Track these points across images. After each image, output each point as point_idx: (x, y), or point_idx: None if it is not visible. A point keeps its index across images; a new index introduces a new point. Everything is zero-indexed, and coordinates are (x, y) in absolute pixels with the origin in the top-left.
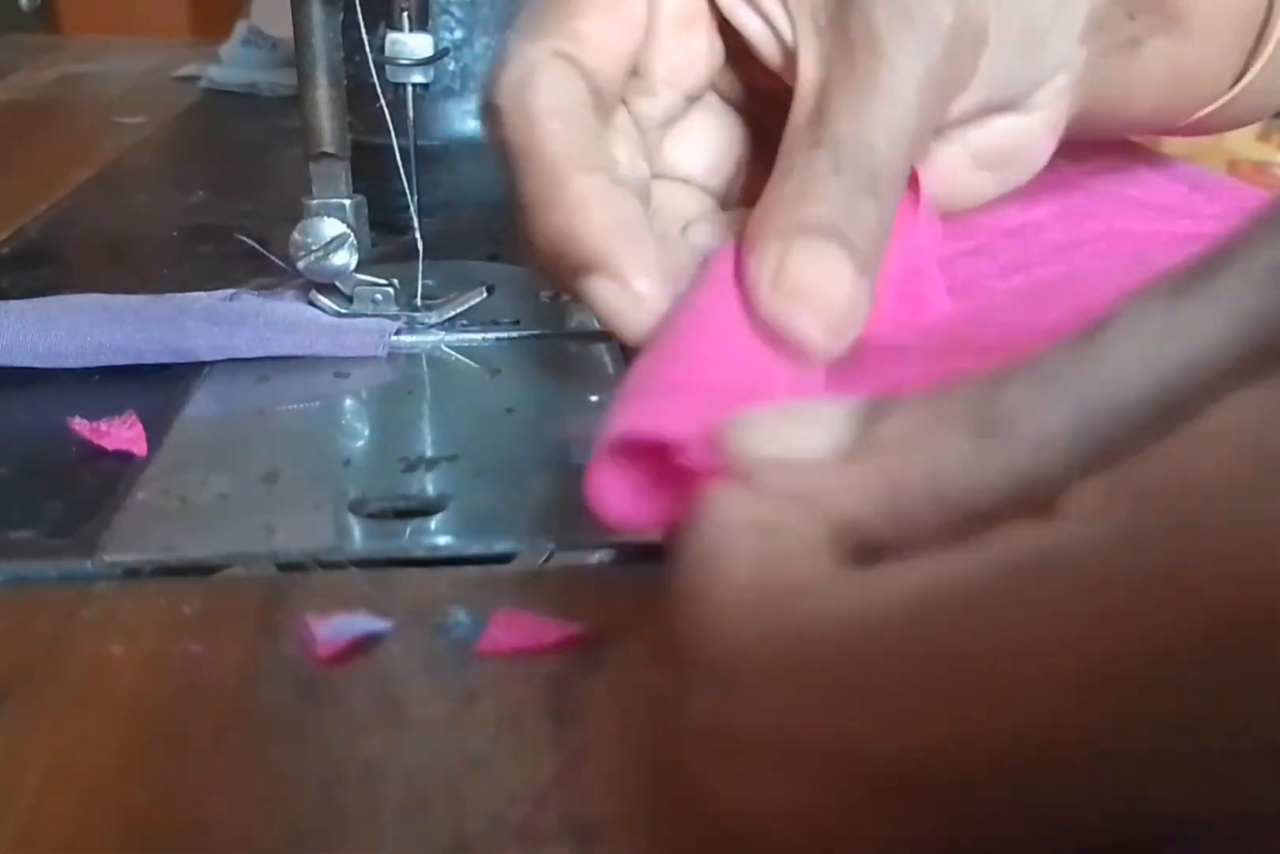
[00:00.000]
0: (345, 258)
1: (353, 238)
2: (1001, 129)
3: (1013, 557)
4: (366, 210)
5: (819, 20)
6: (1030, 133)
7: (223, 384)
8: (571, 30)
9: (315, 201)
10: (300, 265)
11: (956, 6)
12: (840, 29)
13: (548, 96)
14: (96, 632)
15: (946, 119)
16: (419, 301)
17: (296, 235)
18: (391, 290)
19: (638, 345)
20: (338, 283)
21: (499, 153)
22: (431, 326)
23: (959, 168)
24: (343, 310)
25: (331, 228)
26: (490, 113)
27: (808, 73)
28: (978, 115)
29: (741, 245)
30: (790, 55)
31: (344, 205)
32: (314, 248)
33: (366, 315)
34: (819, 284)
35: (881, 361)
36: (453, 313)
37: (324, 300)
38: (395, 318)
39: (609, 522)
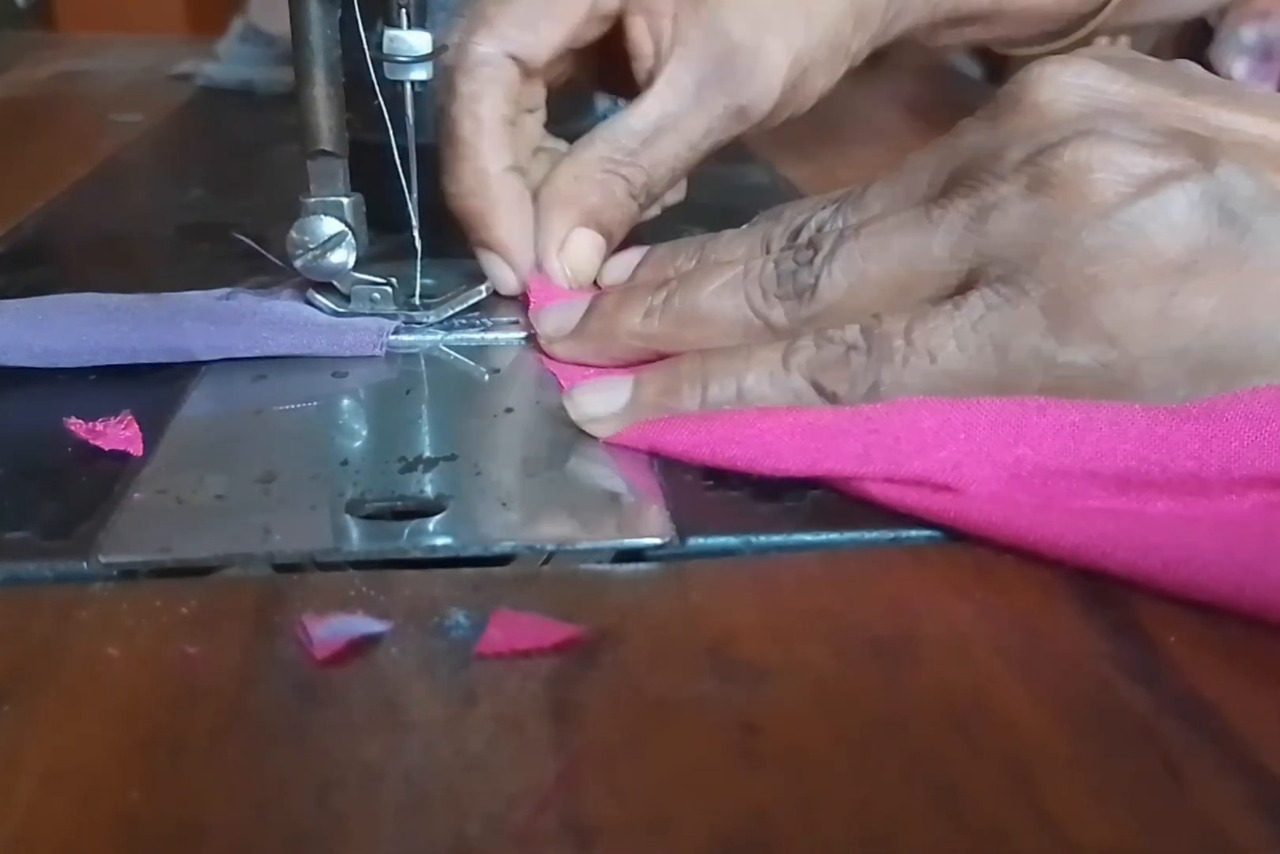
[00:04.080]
0: (343, 256)
1: (350, 236)
2: None
3: None
4: (364, 208)
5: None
6: None
7: (219, 384)
8: (525, 27)
9: (313, 200)
10: (298, 264)
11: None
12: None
13: (493, 108)
14: (93, 633)
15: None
16: (417, 300)
17: (294, 234)
18: (389, 289)
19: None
20: (335, 281)
21: (444, 134)
22: (430, 326)
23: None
24: (340, 309)
25: (329, 226)
26: (444, 114)
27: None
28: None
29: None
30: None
31: (342, 203)
32: (311, 246)
33: (364, 314)
34: (577, 255)
35: None
36: (451, 312)
37: (321, 299)
38: (393, 317)
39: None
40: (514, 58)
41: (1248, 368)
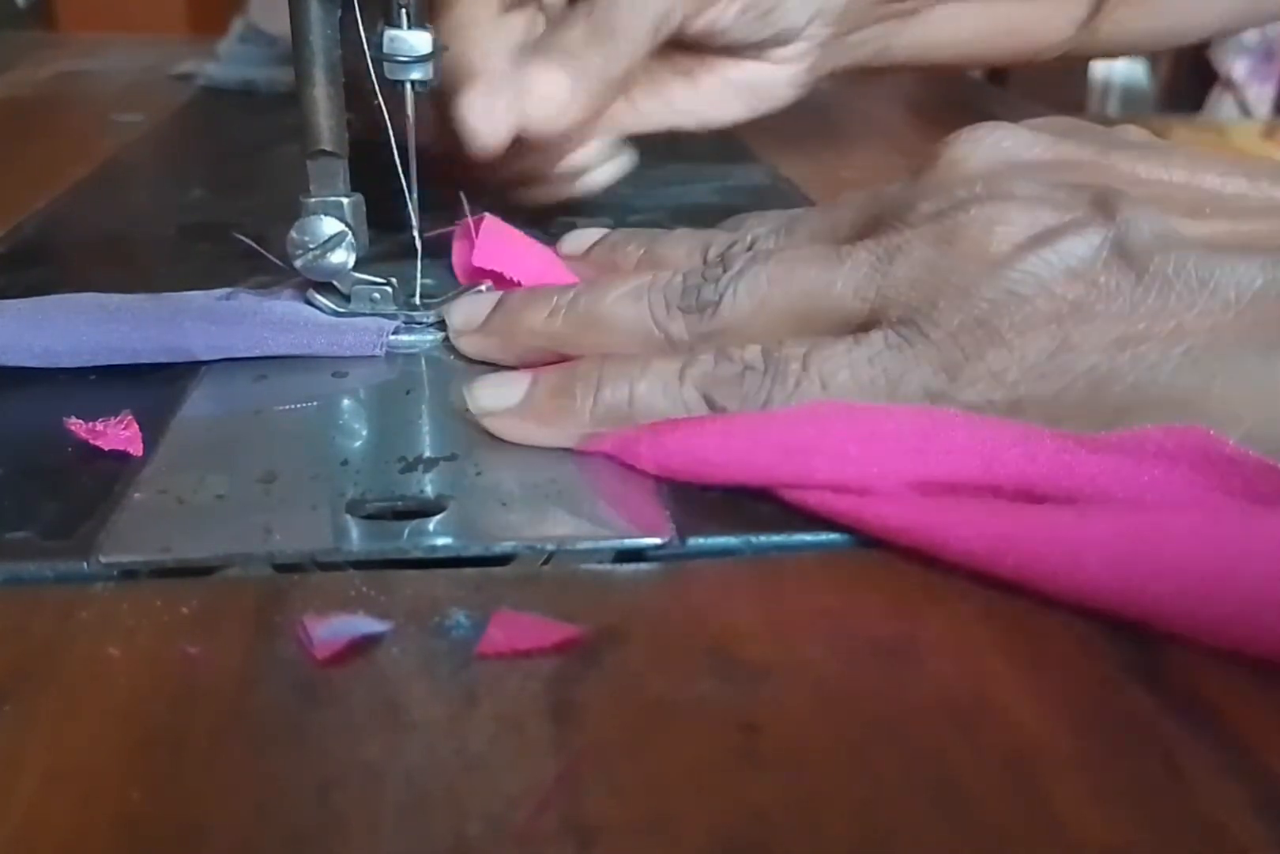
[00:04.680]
0: (343, 256)
1: (350, 236)
2: (752, 71)
3: None
4: (364, 208)
5: None
6: (775, 82)
7: (220, 384)
8: None
9: (313, 200)
10: (298, 264)
11: None
12: None
13: None
14: (94, 633)
15: (700, 24)
16: (417, 300)
17: (294, 234)
18: (389, 289)
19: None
20: (335, 281)
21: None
22: (430, 326)
23: (716, 91)
24: (340, 309)
25: (329, 226)
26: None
27: None
28: (729, 47)
29: None
30: None
31: (342, 203)
32: (312, 246)
33: (364, 314)
34: (540, 89)
35: None
36: None
37: (321, 299)
38: (393, 317)
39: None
40: None
41: (1134, 407)
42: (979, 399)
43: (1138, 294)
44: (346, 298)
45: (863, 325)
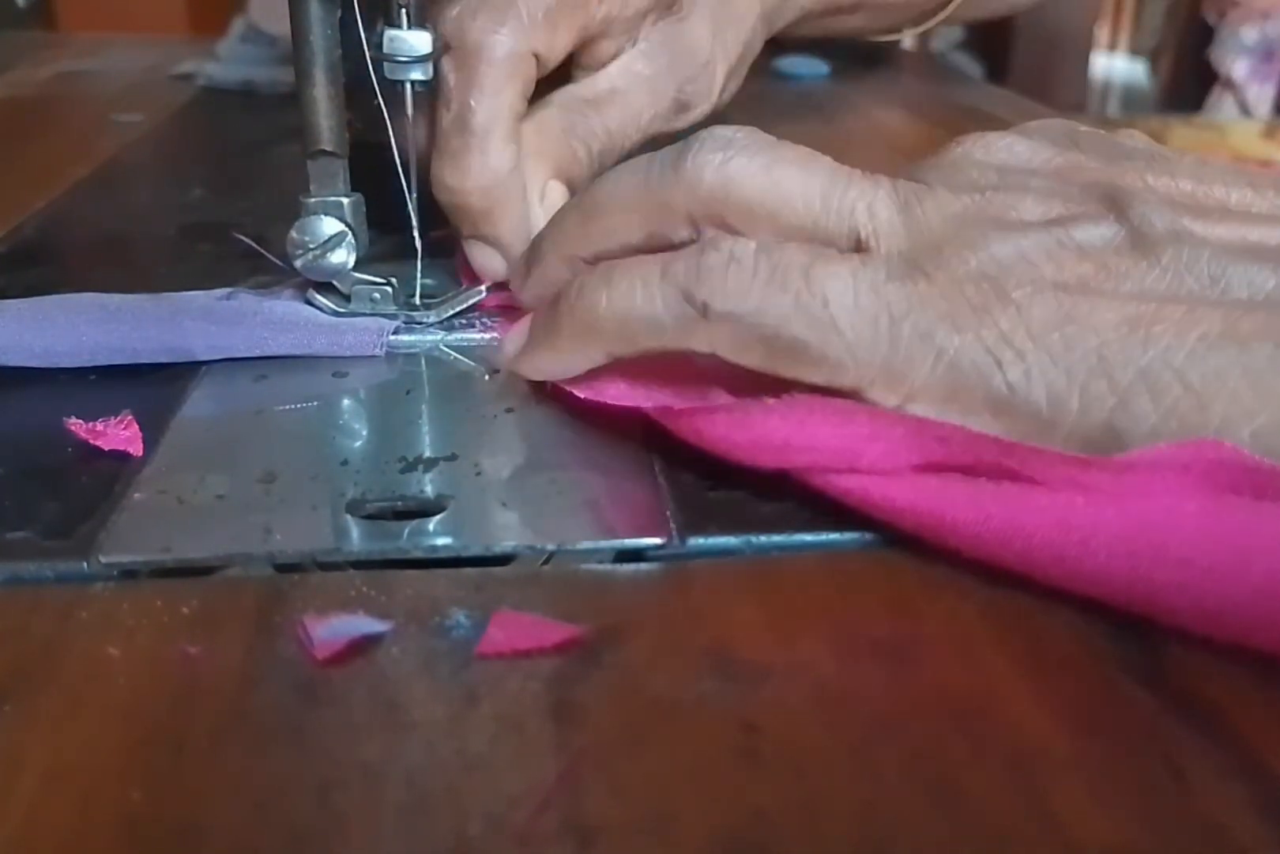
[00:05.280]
0: (343, 256)
1: (350, 236)
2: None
3: None
4: (364, 208)
5: None
6: None
7: (220, 384)
8: (548, 25)
9: (313, 199)
10: (298, 264)
11: None
12: None
13: (511, 104)
14: (94, 633)
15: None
16: (417, 300)
17: (294, 234)
18: (390, 289)
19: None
20: (335, 281)
21: (453, 121)
22: (430, 326)
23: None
24: (340, 309)
25: (329, 226)
26: (456, 101)
27: None
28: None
29: None
30: None
31: (342, 203)
32: (312, 246)
33: (364, 314)
34: (554, 205)
35: None
36: (451, 312)
37: (321, 299)
38: (393, 317)
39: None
40: (536, 55)
41: (1139, 387)
42: (985, 359)
43: (1150, 280)
44: (346, 298)
45: (856, 249)
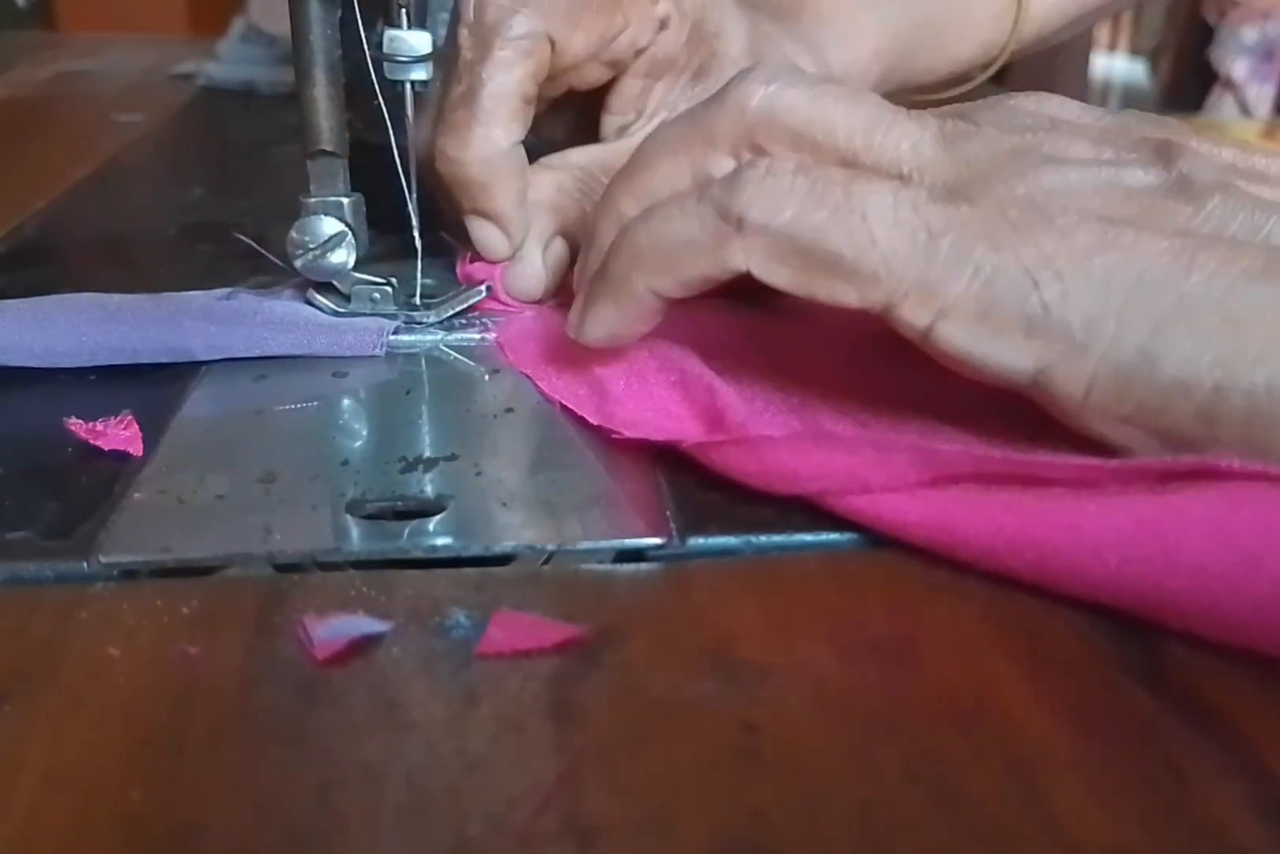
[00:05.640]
0: (343, 256)
1: (350, 236)
2: None
3: None
4: (364, 208)
5: None
6: None
7: (220, 384)
8: (569, 16)
9: (313, 199)
10: (298, 264)
11: None
12: None
13: (520, 81)
14: (94, 633)
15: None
16: (417, 300)
17: (294, 234)
18: (389, 289)
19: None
20: (335, 281)
21: (459, 93)
22: (430, 326)
23: None
24: (340, 309)
25: (329, 226)
26: (466, 73)
27: None
28: None
29: None
30: None
31: (342, 203)
32: (312, 246)
33: (364, 314)
34: (556, 259)
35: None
36: (451, 312)
37: (321, 299)
38: (393, 317)
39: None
40: (553, 42)
41: (1177, 314)
42: (1022, 278)
43: (1195, 221)
44: (346, 298)
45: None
